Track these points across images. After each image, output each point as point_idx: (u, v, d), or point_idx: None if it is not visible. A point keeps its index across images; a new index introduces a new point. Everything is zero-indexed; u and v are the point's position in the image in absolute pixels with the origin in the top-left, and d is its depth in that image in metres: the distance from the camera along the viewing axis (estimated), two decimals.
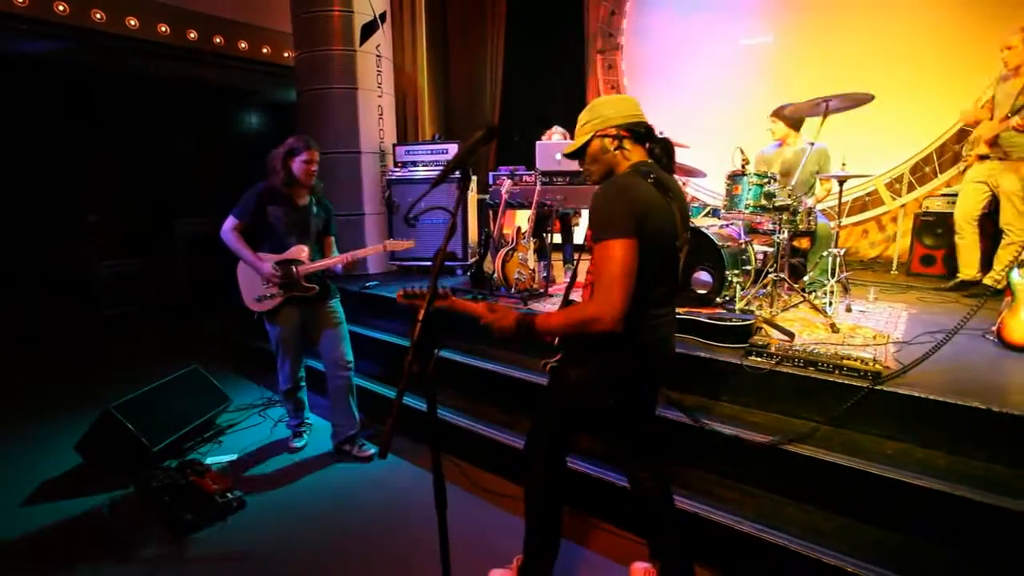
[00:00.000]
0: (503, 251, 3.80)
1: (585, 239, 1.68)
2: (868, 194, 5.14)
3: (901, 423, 2.13)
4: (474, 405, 3.13)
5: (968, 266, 3.97)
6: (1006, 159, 3.66)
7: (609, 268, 1.47)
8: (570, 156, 1.76)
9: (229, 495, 2.60)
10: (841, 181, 3.20)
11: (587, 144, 1.66)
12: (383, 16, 4.88)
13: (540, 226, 4.49)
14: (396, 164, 5.01)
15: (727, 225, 3.53)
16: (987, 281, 3.87)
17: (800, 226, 3.29)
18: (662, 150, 1.65)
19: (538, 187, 4.02)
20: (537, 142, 4.27)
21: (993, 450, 1.96)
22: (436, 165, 4.93)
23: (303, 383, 3.20)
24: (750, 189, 3.14)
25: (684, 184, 4.13)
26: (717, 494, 2.21)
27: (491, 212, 4.46)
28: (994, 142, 3.67)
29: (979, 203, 3.83)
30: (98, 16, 4.68)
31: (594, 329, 1.50)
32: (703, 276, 3.23)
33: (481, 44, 6.50)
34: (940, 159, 4.76)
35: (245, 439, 3.36)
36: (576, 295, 1.88)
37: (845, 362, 2.29)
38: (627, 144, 1.62)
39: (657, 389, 1.85)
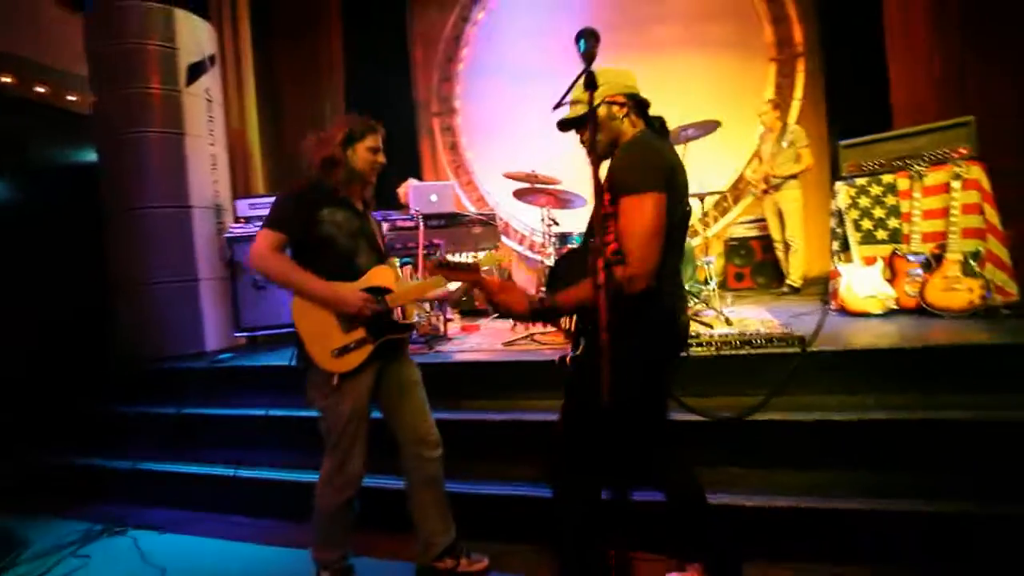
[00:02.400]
0: None
1: (603, 203, 1.57)
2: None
3: (830, 378, 2.42)
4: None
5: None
6: (779, 190, 4.77)
7: (641, 222, 1.42)
8: (566, 125, 1.69)
9: None
10: (701, 198, 3.73)
11: (593, 111, 1.62)
12: (212, 58, 4.33)
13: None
14: (238, 220, 4.31)
15: None
16: (788, 282, 4.83)
17: None
18: (661, 125, 1.68)
19: (422, 228, 3.82)
20: (413, 183, 4.11)
21: (902, 382, 2.33)
22: None
23: None
24: None
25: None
26: (723, 482, 2.17)
27: None
28: (767, 181, 4.80)
29: (778, 226, 4.85)
30: None
31: (632, 289, 1.42)
32: None
33: (319, 102, 6.21)
34: (733, 195, 5.91)
35: None
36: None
37: (773, 334, 2.55)
38: (632, 114, 1.63)
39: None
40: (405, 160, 6.86)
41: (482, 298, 1.68)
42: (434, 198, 4.10)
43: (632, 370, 1.55)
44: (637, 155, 1.49)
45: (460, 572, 2.04)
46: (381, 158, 1.92)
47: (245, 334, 4.25)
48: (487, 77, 6.60)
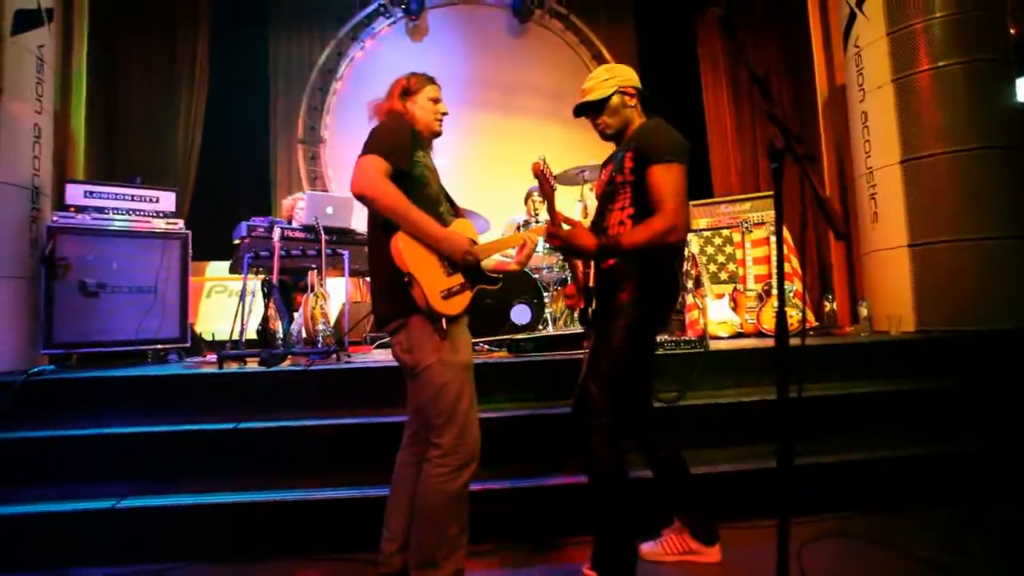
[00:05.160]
0: (307, 297, 3.11)
1: (624, 170, 1.77)
2: None
3: (720, 374, 2.88)
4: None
5: None
6: None
7: (675, 187, 1.67)
8: (581, 109, 1.88)
9: None
10: None
11: (608, 98, 1.84)
12: (50, 13, 3.57)
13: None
14: (67, 208, 3.44)
15: None
16: None
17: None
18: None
19: (324, 237, 3.55)
20: (308, 193, 3.83)
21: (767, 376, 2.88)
22: (141, 216, 3.65)
23: None
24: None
25: None
26: None
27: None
28: None
29: None
30: None
31: (671, 239, 1.65)
32: (524, 310, 3.53)
33: (171, 106, 5.42)
34: None
35: None
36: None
37: (679, 339, 2.98)
38: (639, 106, 1.89)
39: None
40: (260, 187, 6.35)
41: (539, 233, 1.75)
42: (330, 211, 3.87)
43: (646, 320, 1.75)
44: (668, 133, 1.74)
45: None
46: (444, 108, 1.84)
47: (58, 351, 3.28)
48: (359, 112, 6.55)
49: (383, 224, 1.64)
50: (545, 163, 1.78)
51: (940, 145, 3.56)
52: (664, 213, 1.62)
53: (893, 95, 3.78)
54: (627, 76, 1.87)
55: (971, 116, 3.51)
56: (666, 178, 1.65)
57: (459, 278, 1.69)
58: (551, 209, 1.76)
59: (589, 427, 1.66)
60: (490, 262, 1.93)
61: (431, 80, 1.84)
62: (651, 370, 1.93)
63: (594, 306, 1.77)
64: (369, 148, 1.62)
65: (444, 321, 1.62)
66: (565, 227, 1.73)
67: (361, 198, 1.60)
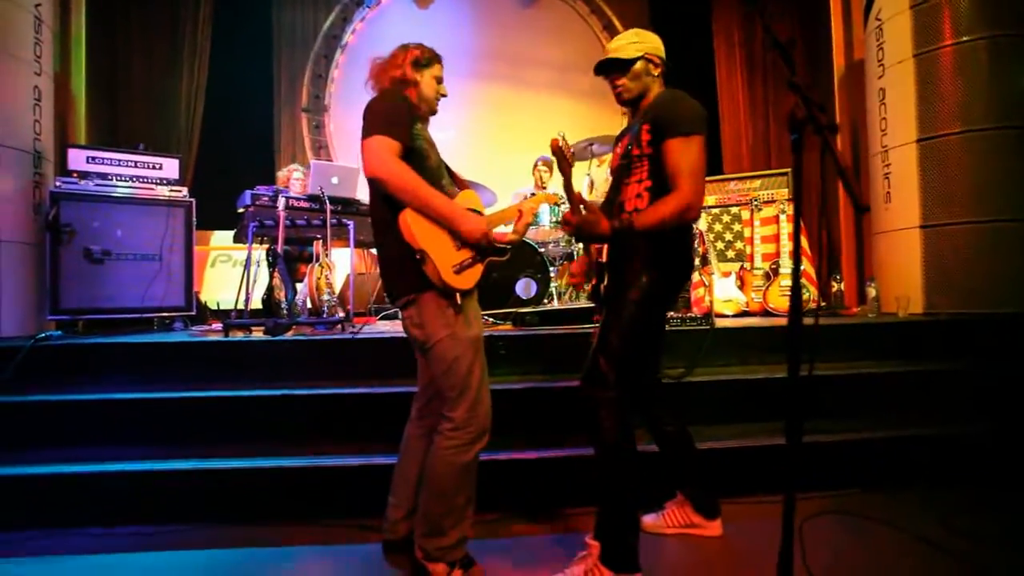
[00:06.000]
0: (312, 267, 3.10)
1: (641, 143, 1.72)
2: None
3: (725, 352, 2.87)
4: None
5: None
6: None
7: (692, 162, 1.62)
8: (603, 67, 1.81)
9: None
10: None
11: (633, 60, 1.77)
12: None
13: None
14: (71, 173, 3.40)
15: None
16: None
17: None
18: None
19: (328, 207, 3.51)
20: (314, 161, 3.78)
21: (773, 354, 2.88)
22: (145, 183, 3.61)
23: None
24: (551, 208, 3.70)
25: None
26: None
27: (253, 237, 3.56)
28: None
29: None
30: None
31: (686, 218, 1.61)
32: (530, 284, 3.52)
33: (174, 74, 5.33)
34: None
35: None
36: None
37: (684, 316, 2.96)
38: (661, 76, 1.83)
39: None
40: (263, 155, 6.27)
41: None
42: (335, 180, 3.83)
43: (658, 294, 1.72)
44: (686, 103, 1.68)
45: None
46: (444, 89, 1.80)
47: (64, 317, 3.29)
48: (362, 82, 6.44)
49: (387, 199, 1.60)
50: (564, 140, 1.73)
51: (958, 124, 3.47)
52: (679, 191, 1.58)
53: (913, 71, 3.67)
54: (655, 44, 1.79)
55: (991, 94, 3.41)
56: (684, 153, 1.60)
57: (469, 252, 1.67)
58: (568, 188, 1.71)
59: (597, 400, 1.65)
60: None
61: (439, 58, 1.79)
62: (660, 346, 1.92)
63: (606, 282, 1.75)
64: (376, 128, 1.56)
65: (458, 296, 1.61)
66: (582, 209, 1.67)
67: (375, 181, 1.56)
